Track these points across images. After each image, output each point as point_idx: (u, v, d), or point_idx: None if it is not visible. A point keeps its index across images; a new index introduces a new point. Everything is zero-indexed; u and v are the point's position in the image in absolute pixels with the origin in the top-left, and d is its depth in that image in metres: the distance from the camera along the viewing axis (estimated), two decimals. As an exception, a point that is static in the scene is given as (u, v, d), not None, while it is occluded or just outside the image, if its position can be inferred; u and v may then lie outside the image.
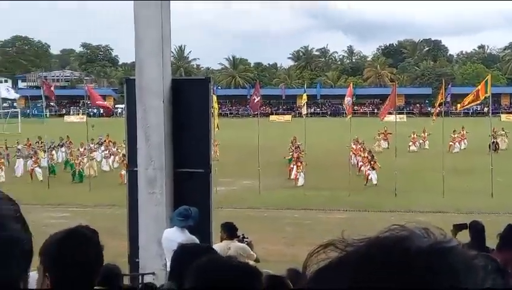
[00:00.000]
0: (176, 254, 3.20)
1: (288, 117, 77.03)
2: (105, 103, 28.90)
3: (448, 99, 47.41)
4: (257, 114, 30.19)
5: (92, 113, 62.59)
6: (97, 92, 28.99)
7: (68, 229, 2.37)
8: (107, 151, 33.63)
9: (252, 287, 2.02)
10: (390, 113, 31.00)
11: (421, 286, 0.62)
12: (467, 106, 29.22)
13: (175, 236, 7.09)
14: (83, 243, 2.29)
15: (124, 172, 26.07)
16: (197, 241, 6.70)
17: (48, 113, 60.33)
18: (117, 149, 33.53)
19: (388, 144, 39.13)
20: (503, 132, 40.56)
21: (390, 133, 36.43)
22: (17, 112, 64.21)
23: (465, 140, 40.25)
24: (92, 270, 2.30)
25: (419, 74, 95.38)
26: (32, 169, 28.59)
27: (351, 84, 33.76)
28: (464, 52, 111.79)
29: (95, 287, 2.42)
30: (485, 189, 22.94)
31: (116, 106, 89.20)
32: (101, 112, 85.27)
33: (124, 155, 27.71)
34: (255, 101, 28.67)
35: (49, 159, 30.50)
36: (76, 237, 2.31)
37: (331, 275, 0.66)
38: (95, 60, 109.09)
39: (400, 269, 0.62)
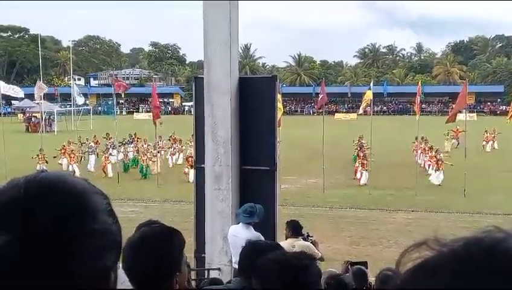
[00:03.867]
0: (245, 251, 3.24)
1: (353, 115, 75.79)
2: (157, 108, 29.37)
3: (523, 97, 45.50)
4: (322, 112, 29.91)
5: (160, 111, 63.76)
6: (157, 96, 29.44)
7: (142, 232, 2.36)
8: (172, 149, 34.15)
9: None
10: (459, 112, 29.92)
11: None
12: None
13: (240, 232, 7.19)
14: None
15: (187, 170, 26.61)
16: (262, 238, 6.77)
17: (118, 111, 61.97)
18: (182, 146, 34.03)
19: (458, 143, 38.05)
20: None
21: (462, 131, 35.33)
22: (89, 109, 66.45)
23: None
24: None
25: (490, 71, 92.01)
26: (105, 165, 29.39)
27: (420, 82, 32.95)
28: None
29: None
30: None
31: (183, 103, 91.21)
32: (169, 109, 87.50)
33: (190, 155, 28.17)
34: (320, 97, 28.58)
35: (124, 156, 31.55)
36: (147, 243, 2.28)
37: (427, 275, 0.64)
38: (163, 58, 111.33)
39: (504, 270, 0.61)
